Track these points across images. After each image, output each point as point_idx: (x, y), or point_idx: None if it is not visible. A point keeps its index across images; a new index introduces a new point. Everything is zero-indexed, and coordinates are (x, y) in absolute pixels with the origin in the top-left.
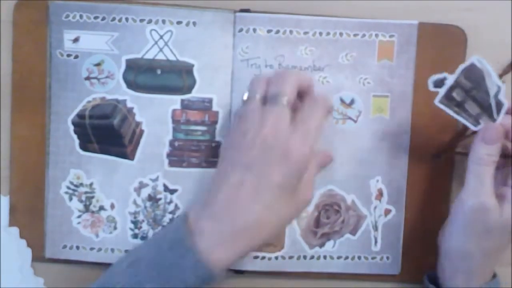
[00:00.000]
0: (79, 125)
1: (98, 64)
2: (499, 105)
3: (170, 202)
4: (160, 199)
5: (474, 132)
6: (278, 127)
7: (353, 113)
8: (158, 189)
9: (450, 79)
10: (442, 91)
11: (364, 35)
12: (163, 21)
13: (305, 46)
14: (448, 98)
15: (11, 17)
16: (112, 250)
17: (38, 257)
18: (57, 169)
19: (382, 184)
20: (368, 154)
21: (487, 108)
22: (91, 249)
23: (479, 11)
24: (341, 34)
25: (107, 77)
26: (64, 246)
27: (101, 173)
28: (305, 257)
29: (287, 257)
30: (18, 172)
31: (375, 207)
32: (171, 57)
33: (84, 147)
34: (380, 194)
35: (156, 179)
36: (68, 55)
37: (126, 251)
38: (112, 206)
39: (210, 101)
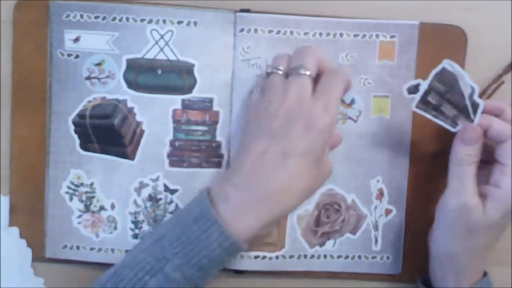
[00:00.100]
0: (80, 125)
1: (98, 64)
2: (475, 105)
3: (171, 202)
4: (160, 199)
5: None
6: (301, 96)
7: (353, 113)
8: (158, 189)
9: (424, 85)
10: (417, 96)
11: (364, 36)
12: (164, 21)
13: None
14: (424, 102)
15: (11, 17)
16: (112, 250)
17: (38, 257)
18: (58, 169)
19: (382, 184)
20: (369, 154)
21: (464, 110)
22: (91, 249)
23: (479, 11)
24: (341, 34)
25: (107, 77)
26: (64, 246)
27: (102, 173)
28: (305, 256)
29: (287, 256)
30: (18, 172)
31: (376, 207)
32: (172, 57)
33: (85, 147)
34: (380, 194)
35: (156, 179)
36: (69, 55)
37: (126, 251)
38: (113, 206)
39: (210, 101)
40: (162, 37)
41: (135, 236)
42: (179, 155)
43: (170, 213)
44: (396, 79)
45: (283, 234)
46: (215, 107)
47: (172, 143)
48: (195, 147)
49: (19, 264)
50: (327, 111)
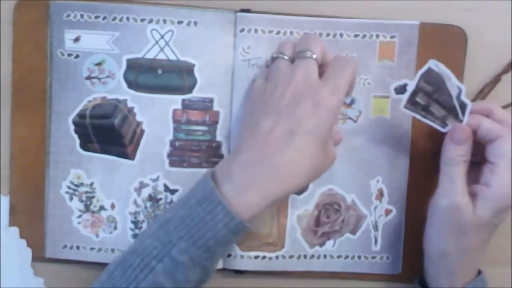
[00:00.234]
0: (80, 125)
1: (99, 64)
2: (463, 106)
3: (171, 202)
4: (160, 199)
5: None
6: (308, 78)
7: (353, 113)
8: (158, 189)
9: (411, 85)
10: (405, 96)
11: (364, 36)
12: (164, 21)
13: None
14: (412, 103)
15: (11, 17)
16: (112, 250)
17: (38, 257)
18: (58, 169)
19: (382, 184)
20: (368, 154)
21: (452, 110)
22: (91, 249)
23: (479, 11)
24: (341, 35)
25: (107, 76)
26: (64, 246)
27: (102, 173)
28: (305, 256)
29: (287, 257)
30: (18, 172)
31: (376, 207)
32: (172, 57)
33: (85, 147)
34: (380, 194)
35: (156, 179)
36: (69, 55)
37: None
38: (113, 206)
39: (211, 101)
40: (162, 37)
41: (135, 236)
42: (179, 155)
43: None
44: (396, 79)
45: (283, 234)
46: (215, 107)
47: (172, 143)
48: (195, 147)
49: (19, 264)
50: (335, 94)
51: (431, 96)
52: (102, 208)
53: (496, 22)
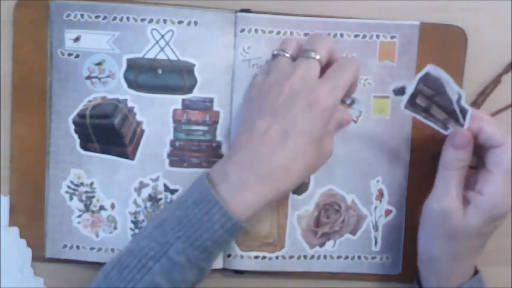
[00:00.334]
0: (80, 125)
1: (99, 64)
2: (463, 111)
3: (171, 202)
4: (160, 199)
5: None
6: (306, 77)
7: (353, 114)
8: (158, 189)
9: (410, 88)
10: (405, 98)
11: (365, 36)
12: (164, 21)
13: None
14: (412, 104)
15: (11, 17)
16: (112, 250)
17: (38, 257)
18: (58, 168)
19: (382, 185)
20: (369, 154)
21: (453, 114)
22: (91, 248)
23: (479, 11)
24: (341, 35)
25: (108, 76)
26: (64, 246)
27: (102, 172)
28: (305, 256)
29: (287, 257)
30: (18, 172)
31: (376, 208)
32: (172, 57)
33: (85, 146)
34: (380, 194)
35: (156, 179)
36: (69, 54)
37: None
38: (113, 206)
39: (211, 101)
40: (162, 37)
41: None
42: (179, 155)
43: None
44: (396, 79)
45: (283, 234)
46: (216, 107)
47: (172, 143)
48: (195, 147)
49: (19, 264)
50: (332, 94)
51: (432, 99)
52: (102, 208)
53: (496, 22)
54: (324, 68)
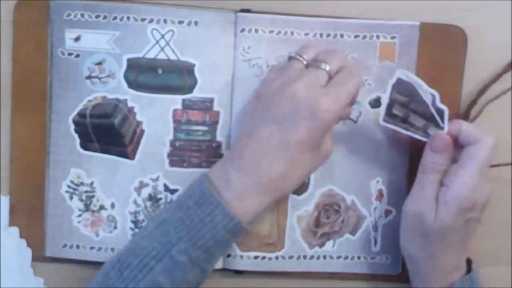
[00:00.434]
0: (80, 124)
1: (99, 63)
2: (440, 112)
3: (171, 202)
4: (160, 199)
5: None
6: (311, 84)
7: (353, 114)
8: (158, 189)
9: (384, 98)
10: (382, 110)
11: (365, 37)
12: (165, 21)
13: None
14: (390, 116)
15: (11, 17)
16: (112, 249)
17: (38, 257)
18: (58, 168)
19: (382, 185)
20: (369, 155)
21: (431, 118)
22: (91, 248)
23: (479, 11)
24: (341, 35)
25: (108, 76)
26: (64, 245)
27: (102, 172)
28: (305, 257)
29: (287, 257)
30: (18, 172)
31: (375, 208)
32: (172, 57)
33: (85, 146)
34: (380, 195)
35: (156, 179)
36: (69, 54)
37: None
38: (113, 206)
39: (211, 101)
40: (162, 36)
41: None
42: (179, 155)
43: None
44: None
45: (283, 234)
46: (216, 107)
47: (172, 143)
48: (195, 147)
49: (19, 264)
50: (334, 103)
51: (408, 106)
52: (102, 207)
53: (496, 22)
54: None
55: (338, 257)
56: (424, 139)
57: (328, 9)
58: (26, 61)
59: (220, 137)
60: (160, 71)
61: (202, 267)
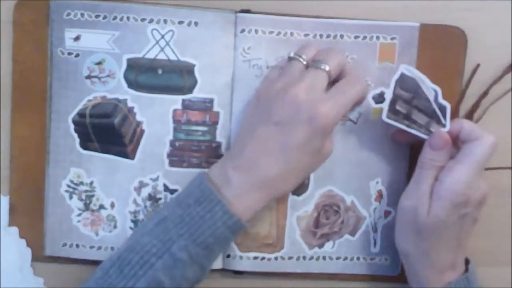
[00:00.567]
0: (80, 124)
1: (99, 63)
2: (442, 108)
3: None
4: (160, 198)
5: None
6: (312, 88)
7: (353, 115)
8: (158, 188)
9: (388, 93)
10: (385, 106)
11: (365, 37)
12: (165, 21)
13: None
14: (393, 112)
15: (11, 17)
16: (112, 248)
17: (38, 257)
18: (57, 167)
19: (381, 186)
20: (368, 155)
21: (433, 114)
22: (91, 247)
23: (479, 11)
24: (341, 36)
25: (108, 76)
26: (64, 244)
27: (102, 172)
28: (304, 257)
29: (286, 258)
30: (18, 172)
31: (375, 209)
32: (172, 57)
33: (85, 146)
34: (380, 195)
35: (156, 179)
36: (69, 54)
37: None
38: (112, 205)
39: (211, 101)
40: (162, 37)
41: None
42: (179, 155)
43: None
44: None
45: (282, 235)
46: (216, 108)
47: (172, 143)
48: (195, 147)
49: (19, 264)
50: (334, 109)
51: (410, 103)
52: (101, 207)
53: (496, 22)
54: (335, 81)
55: (338, 258)
56: (426, 137)
57: (328, 10)
58: (26, 61)
59: (220, 137)
60: (160, 71)
61: (201, 264)
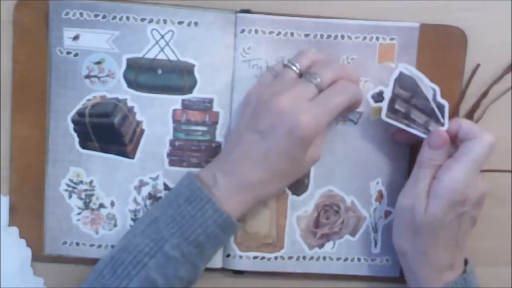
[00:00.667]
0: (79, 123)
1: (98, 63)
2: (440, 107)
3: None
4: (160, 197)
5: None
6: (297, 98)
7: (353, 115)
8: (158, 187)
9: (387, 92)
10: (384, 105)
11: (365, 38)
12: (164, 21)
13: (306, 47)
14: (392, 111)
15: (11, 17)
16: (112, 246)
17: (38, 257)
18: (57, 167)
19: (382, 186)
20: (368, 156)
21: (432, 113)
22: (91, 245)
23: (479, 11)
24: (342, 36)
25: (107, 75)
26: (64, 242)
27: (101, 171)
28: (304, 257)
29: (286, 258)
30: (18, 172)
31: (375, 209)
32: (172, 57)
33: (84, 145)
34: (380, 196)
35: (156, 178)
36: (68, 53)
37: None
38: (112, 204)
39: (210, 101)
40: (162, 37)
41: None
42: (179, 154)
43: None
44: None
45: (282, 235)
46: (215, 108)
47: (172, 143)
48: (195, 147)
49: (19, 264)
50: (316, 120)
51: (409, 102)
52: (101, 205)
53: (496, 22)
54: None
55: (338, 259)
56: (425, 136)
57: (328, 10)
58: (26, 61)
59: (219, 137)
60: (160, 71)
61: (193, 263)
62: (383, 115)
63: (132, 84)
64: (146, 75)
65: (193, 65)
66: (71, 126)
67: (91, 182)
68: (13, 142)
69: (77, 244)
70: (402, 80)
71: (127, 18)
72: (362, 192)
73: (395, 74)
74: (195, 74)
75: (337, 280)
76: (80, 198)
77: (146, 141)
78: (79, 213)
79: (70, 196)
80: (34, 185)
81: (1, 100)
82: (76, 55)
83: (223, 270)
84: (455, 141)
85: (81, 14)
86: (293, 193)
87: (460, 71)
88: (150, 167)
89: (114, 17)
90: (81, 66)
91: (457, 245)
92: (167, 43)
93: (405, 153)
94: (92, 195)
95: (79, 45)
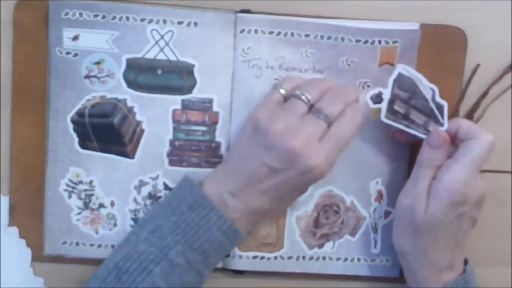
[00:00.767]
0: (79, 124)
1: (98, 63)
2: (440, 107)
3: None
4: (160, 197)
5: None
6: (309, 139)
7: None
8: (158, 187)
9: (386, 93)
10: (383, 106)
11: (366, 41)
12: (164, 21)
13: (305, 48)
14: (392, 112)
15: (11, 17)
16: (112, 246)
17: (38, 257)
18: (56, 167)
19: (381, 186)
20: (368, 156)
21: (431, 114)
22: (91, 245)
23: (479, 11)
24: (342, 39)
25: (107, 76)
26: (64, 242)
27: (101, 171)
28: (304, 257)
29: (286, 258)
30: (18, 172)
31: (375, 209)
32: (172, 57)
33: (84, 145)
34: (380, 196)
35: (156, 178)
36: (67, 53)
37: None
38: (112, 204)
39: (210, 101)
40: (162, 37)
41: None
42: (179, 154)
43: None
44: None
45: (282, 235)
46: (215, 108)
47: (172, 143)
48: (195, 147)
49: (19, 264)
50: (327, 161)
51: (408, 102)
52: (101, 205)
53: (496, 22)
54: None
55: (338, 259)
56: (424, 136)
57: (328, 10)
58: (26, 61)
59: (219, 137)
60: (159, 71)
61: (198, 270)
62: (383, 116)
63: (132, 84)
64: (146, 75)
65: (193, 65)
66: (71, 126)
67: (91, 182)
68: (13, 142)
69: (77, 244)
70: (400, 81)
71: (127, 18)
72: (361, 192)
73: (394, 75)
74: (195, 74)
75: (337, 280)
76: (80, 198)
77: (146, 141)
78: (79, 213)
79: (70, 196)
80: (34, 185)
81: (1, 100)
82: (75, 55)
83: (223, 270)
84: (454, 141)
85: (80, 14)
86: None
87: (460, 71)
88: (150, 167)
89: (114, 17)
90: (81, 66)
91: (457, 245)
92: (166, 43)
93: (405, 153)
94: (92, 195)
95: (79, 45)
